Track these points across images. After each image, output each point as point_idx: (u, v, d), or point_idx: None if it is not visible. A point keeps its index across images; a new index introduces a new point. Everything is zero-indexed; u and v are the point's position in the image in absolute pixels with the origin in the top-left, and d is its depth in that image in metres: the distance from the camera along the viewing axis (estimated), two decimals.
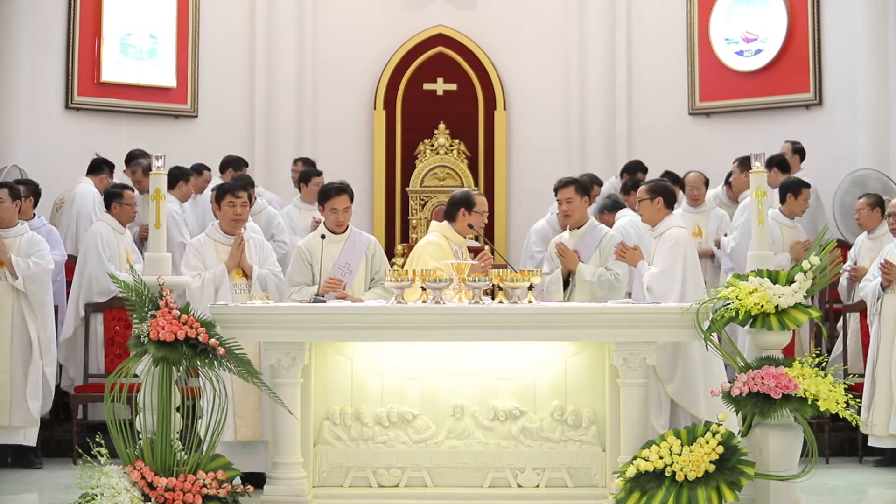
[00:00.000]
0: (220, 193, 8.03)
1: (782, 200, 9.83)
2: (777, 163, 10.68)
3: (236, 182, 8.56)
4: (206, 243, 7.90)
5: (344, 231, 7.99)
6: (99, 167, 10.84)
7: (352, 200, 8.02)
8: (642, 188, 8.06)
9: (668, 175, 10.78)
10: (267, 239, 9.22)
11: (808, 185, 9.96)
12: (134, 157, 10.95)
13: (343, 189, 7.98)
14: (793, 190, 9.83)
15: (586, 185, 8.59)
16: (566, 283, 8.11)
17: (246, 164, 11.69)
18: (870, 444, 8.61)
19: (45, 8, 11.98)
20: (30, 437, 8.51)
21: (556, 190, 8.32)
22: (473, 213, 8.03)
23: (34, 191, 9.63)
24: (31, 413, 8.44)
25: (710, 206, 10.99)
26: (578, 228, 8.20)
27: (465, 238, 8.11)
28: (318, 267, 7.82)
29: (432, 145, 13.19)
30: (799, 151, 11.34)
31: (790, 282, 6.83)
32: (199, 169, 11.28)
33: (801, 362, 6.74)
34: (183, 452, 6.56)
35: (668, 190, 8.04)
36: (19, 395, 8.42)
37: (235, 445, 7.57)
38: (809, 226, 10.50)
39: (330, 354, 7.16)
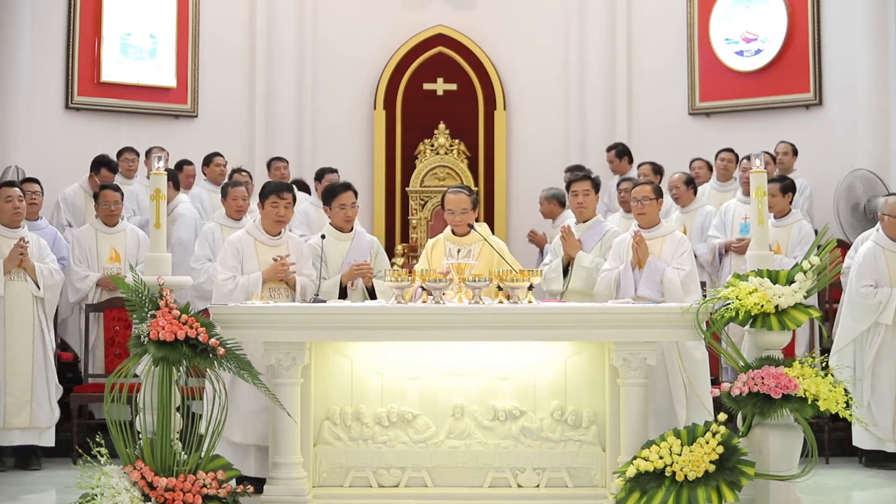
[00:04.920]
0: (265, 193, 7.83)
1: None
2: None
3: (281, 182, 8.50)
4: (246, 242, 7.70)
5: (350, 230, 8.13)
6: (94, 166, 10.87)
7: (356, 198, 8.19)
8: (649, 188, 8.02)
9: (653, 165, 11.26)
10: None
11: None
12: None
13: (349, 185, 8.21)
14: None
15: (599, 183, 8.85)
16: (565, 272, 8.27)
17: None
18: None
19: (45, 8, 11.98)
20: (47, 438, 8.55)
21: (572, 182, 8.52)
22: (446, 212, 8.11)
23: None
24: (53, 413, 8.51)
25: (699, 204, 10.84)
26: (585, 222, 8.41)
27: (462, 236, 8.07)
28: (322, 265, 7.85)
29: (432, 145, 13.19)
30: (796, 152, 11.36)
31: (790, 282, 6.83)
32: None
33: (801, 362, 6.74)
34: (183, 452, 6.57)
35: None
36: (42, 396, 8.44)
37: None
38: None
39: (330, 354, 7.16)
